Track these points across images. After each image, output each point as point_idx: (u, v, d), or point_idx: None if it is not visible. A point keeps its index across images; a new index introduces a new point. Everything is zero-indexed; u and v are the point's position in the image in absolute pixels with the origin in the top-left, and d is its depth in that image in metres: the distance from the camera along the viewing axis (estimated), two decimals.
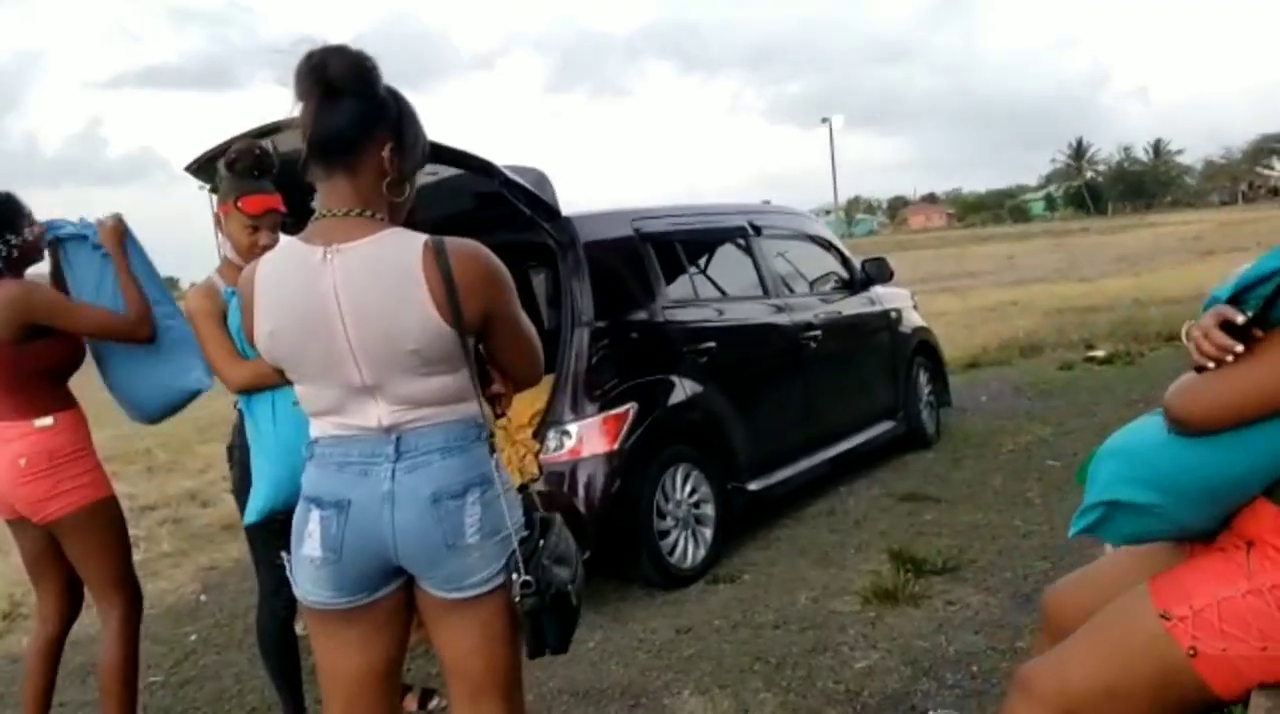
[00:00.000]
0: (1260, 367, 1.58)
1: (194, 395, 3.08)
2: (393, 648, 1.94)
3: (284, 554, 1.93)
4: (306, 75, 1.70)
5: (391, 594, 1.88)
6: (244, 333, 1.92)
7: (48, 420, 2.81)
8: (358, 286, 1.71)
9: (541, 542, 1.85)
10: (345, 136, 1.73)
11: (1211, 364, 1.62)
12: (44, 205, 2.93)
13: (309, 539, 1.82)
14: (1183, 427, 1.68)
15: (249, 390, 2.74)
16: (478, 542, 1.78)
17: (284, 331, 1.77)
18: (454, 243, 1.76)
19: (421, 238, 1.74)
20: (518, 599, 1.78)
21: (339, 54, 1.70)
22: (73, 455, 2.84)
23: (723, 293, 5.23)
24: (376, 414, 1.78)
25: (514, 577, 1.78)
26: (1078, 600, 1.96)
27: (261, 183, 2.84)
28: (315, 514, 1.82)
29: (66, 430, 2.85)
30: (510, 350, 1.90)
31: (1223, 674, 1.63)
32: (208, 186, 4.02)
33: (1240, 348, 1.58)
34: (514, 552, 1.80)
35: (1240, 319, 1.58)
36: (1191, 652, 1.63)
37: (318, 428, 1.86)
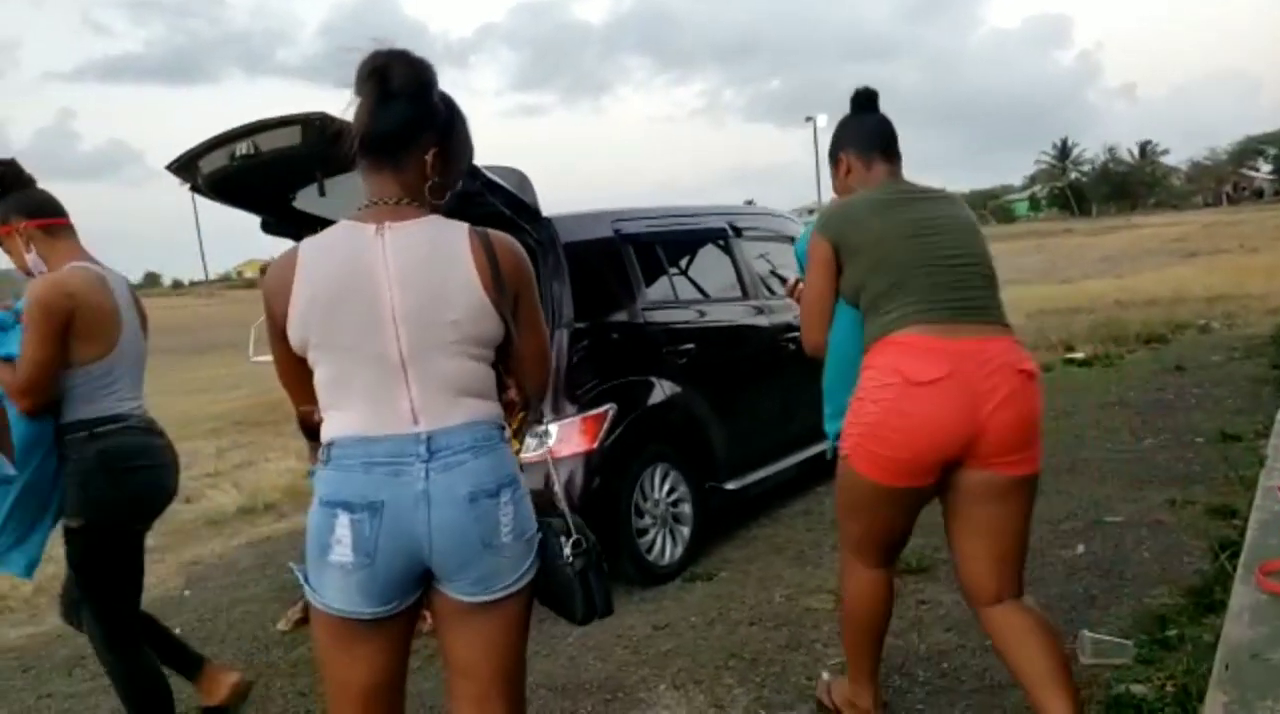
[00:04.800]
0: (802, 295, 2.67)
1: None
2: (405, 658, 1.95)
3: (292, 566, 1.91)
4: (368, 76, 1.78)
5: (412, 604, 1.88)
6: (268, 317, 1.85)
7: None
8: (409, 257, 1.79)
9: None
10: (395, 137, 1.82)
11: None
12: None
13: (338, 545, 1.77)
14: (815, 353, 2.71)
15: None
16: (510, 542, 1.83)
17: (322, 298, 1.77)
18: (494, 232, 1.88)
19: (465, 224, 1.86)
20: (570, 561, 1.91)
21: (402, 59, 1.79)
22: None
23: (703, 294, 5.29)
24: (408, 401, 1.79)
25: (561, 540, 1.92)
26: None
27: None
28: (344, 518, 1.76)
29: None
30: (528, 343, 1.94)
31: (860, 460, 2.42)
32: (188, 185, 4.06)
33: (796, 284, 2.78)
34: (542, 538, 1.92)
35: (792, 278, 2.79)
36: (845, 454, 2.48)
37: (336, 427, 1.82)
